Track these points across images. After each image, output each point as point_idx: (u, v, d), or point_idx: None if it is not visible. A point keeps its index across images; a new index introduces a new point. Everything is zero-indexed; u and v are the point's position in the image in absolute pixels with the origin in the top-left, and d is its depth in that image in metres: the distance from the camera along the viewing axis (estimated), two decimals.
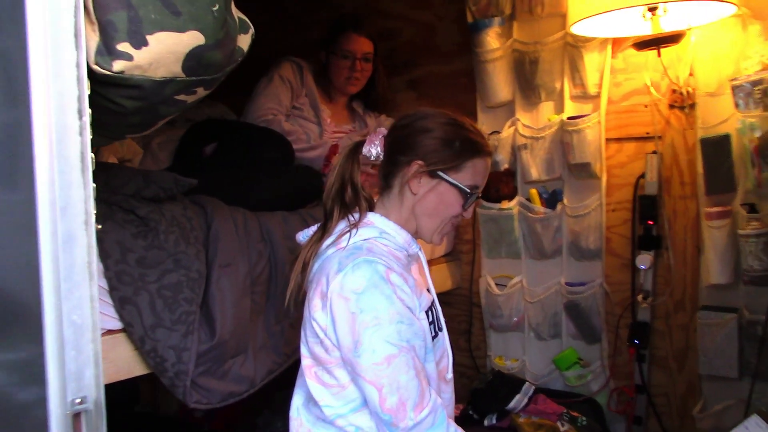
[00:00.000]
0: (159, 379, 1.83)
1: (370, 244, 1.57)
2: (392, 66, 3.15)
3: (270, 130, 2.57)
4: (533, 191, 2.88)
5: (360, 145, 1.71)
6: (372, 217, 1.64)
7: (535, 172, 2.86)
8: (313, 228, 1.75)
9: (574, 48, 2.74)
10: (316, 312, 1.54)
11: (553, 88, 2.83)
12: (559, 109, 2.82)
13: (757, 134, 2.40)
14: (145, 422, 3.35)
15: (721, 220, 2.50)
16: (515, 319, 2.96)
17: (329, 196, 1.68)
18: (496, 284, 3.00)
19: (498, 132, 2.94)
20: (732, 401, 2.52)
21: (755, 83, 2.40)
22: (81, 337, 1.05)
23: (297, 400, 1.69)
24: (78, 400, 1.04)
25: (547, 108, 2.87)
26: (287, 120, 2.81)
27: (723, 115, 2.49)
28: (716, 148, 2.50)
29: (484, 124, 3.00)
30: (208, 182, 2.15)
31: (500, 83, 2.93)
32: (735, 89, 2.44)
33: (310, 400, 1.64)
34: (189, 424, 3.41)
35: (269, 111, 2.75)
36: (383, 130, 1.72)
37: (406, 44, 3.21)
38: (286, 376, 2.20)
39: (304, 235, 1.76)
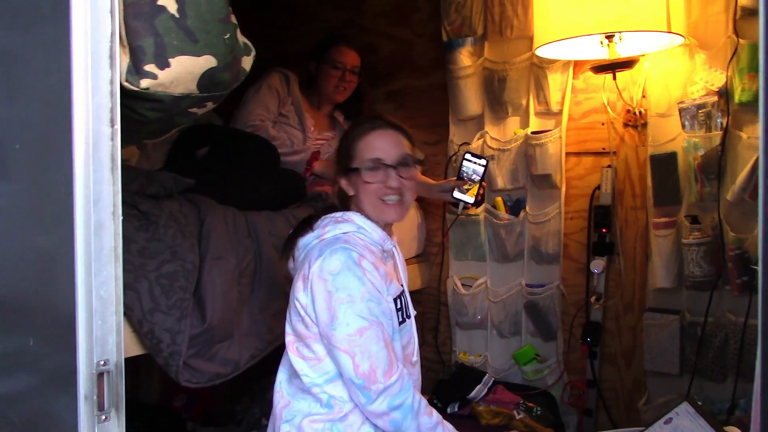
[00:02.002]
0: (153, 358, 2.03)
1: (348, 236, 1.80)
2: (372, 78, 3.37)
3: (257, 135, 2.78)
4: (498, 199, 3.11)
5: None
6: (352, 215, 1.86)
7: (500, 182, 3.09)
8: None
9: (539, 68, 2.99)
10: (298, 293, 1.77)
11: (519, 104, 3.07)
12: (525, 123, 3.06)
13: (701, 153, 2.65)
14: (126, 410, 3.52)
15: (667, 229, 2.75)
16: (479, 317, 3.18)
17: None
18: (462, 284, 3.22)
19: (468, 143, 3.17)
20: (673, 395, 2.76)
21: (700, 106, 2.66)
22: (106, 309, 1.25)
23: (281, 376, 1.91)
24: (102, 362, 1.24)
25: (513, 122, 3.11)
26: (273, 126, 3.01)
27: (671, 135, 2.74)
28: (664, 164, 2.76)
29: (455, 135, 3.23)
30: (201, 183, 2.35)
31: (471, 98, 3.16)
32: (682, 111, 2.70)
33: (293, 375, 1.86)
34: (169, 411, 3.58)
35: (257, 117, 2.95)
36: None
37: (385, 58, 3.43)
38: (264, 367, 2.41)
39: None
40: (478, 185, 2.67)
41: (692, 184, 2.69)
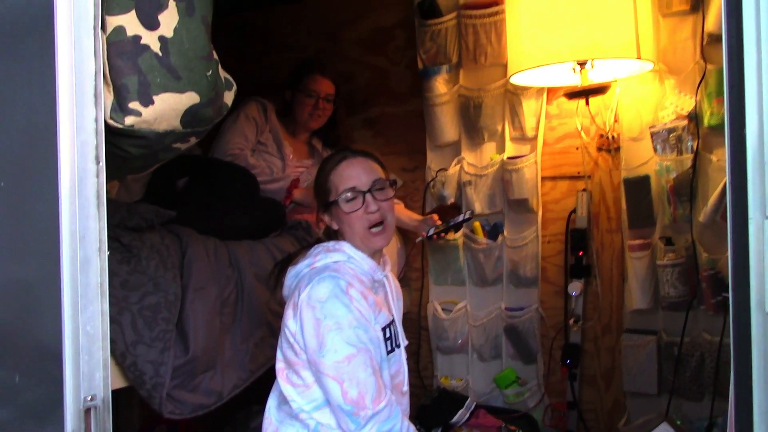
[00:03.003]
0: (136, 391, 2.03)
1: (338, 265, 1.82)
2: (350, 106, 3.41)
3: (236, 165, 2.80)
4: (477, 224, 3.15)
5: None
6: (343, 245, 1.88)
7: (478, 206, 3.14)
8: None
9: (513, 95, 3.04)
10: (288, 320, 1.79)
11: (495, 130, 3.12)
12: (500, 149, 3.11)
13: (673, 176, 2.72)
14: None
15: (642, 251, 2.80)
16: (460, 341, 3.20)
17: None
18: (443, 309, 3.24)
19: (445, 169, 3.21)
20: (652, 415, 2.80)
21: (670, 130, 2.73)
22: (93, 345, 1.26)
23: (271, 402, 1.92)
24: (89, 398, 1.25)
25: (489, 148, 3.15)
26: (252, 155, 3.03)
27: (643, 158, 2.81)
28: (638, 187, 2.81)
29: (432, 161, 3.27)
30: (182, 213, 2.36)
31: (447, 125, 3.21)
32: (653, 135, 2.76)
33: (282, 401, 1.87)
34: None
35: (236, 146, 2.97)
36: None
37: (363, 86, 3.47)
38: (246, 396, 2.41)
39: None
40: (448, 227, 2.79)
41: (665, 207, 2.75)
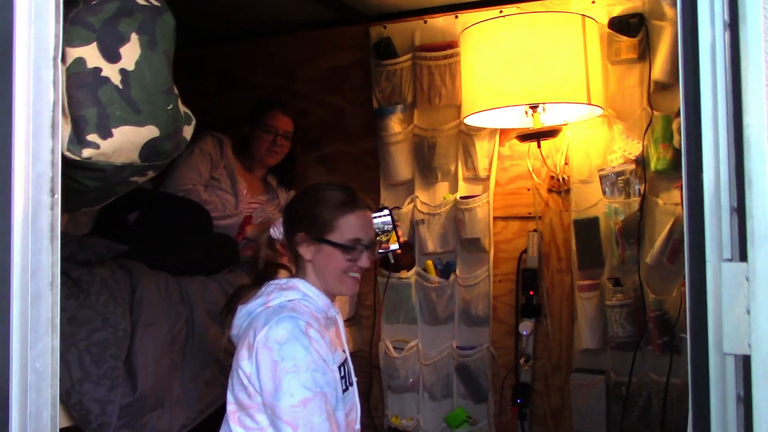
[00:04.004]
0: (81, 430, 1.96)
1: (294, 304, 1.80)
2: (304, 143, 3.41)
3: (189, 200, 2.76)
4: (429, 262, 3.16)
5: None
6: (296, 282, 1.87)
7: (431, 245, 3.16)
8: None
9: (467, 136, 3.09)
10: (242, 361, 1.75)
11: (448, 170, 3.16)
12: (453, 188, 3.15)
13: (621, 218, 2.79)
14: None
15: (591, 292, 2.85)
16: (411, 380, 3.19)
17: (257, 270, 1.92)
18: (394, 347, 3.23)
19: (399, 207, 3.23)
20: None
21: (618, 174, 2.80)
22: (42, 383, 1.22)
23: None
24: None
25: (442, 187, 3.19)
26: (205, 190, 3.00)
27: (593, 200, 2.87)
28: (587, 228, 2.87)
29: (386, 200, 3.29)
30: (133, 248, 2.32)
31: (401, 164, 3.24)
32: (602, 178, 2.84)
33: None
34: None
35: (189, 181, 2.94)
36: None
37: (317, 124, 3.48)
38: None
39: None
40: (393, 232, 2.73)
41: (614, 248, 2.81)
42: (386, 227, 2.63)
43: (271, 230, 1.97)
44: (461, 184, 3.13)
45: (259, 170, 3.25)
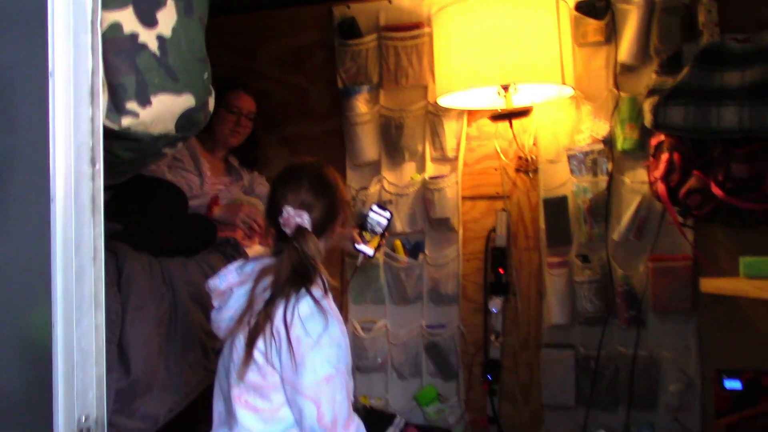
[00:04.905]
0: None
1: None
2: (266, 124, 3.35)
3: (164, 180, 2.68)
4: (398, 242, 3.18)
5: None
6: None
7: (399, 225, 3.17)
8: (230, 276, 1.89)
9: (434, 116, 3.11)
10: (258, 340, 1.71)
11: (415, 150, 3.17)
12: (421, 169, 3.17)
13: (589, 196, 2.86)
14: None
15: (560, 269, 2.92)
16: (379, 360, 3.20)
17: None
18: (362, 328, 3.23)
19: (366, 188, 3.22)
20: (570, 427, 2.91)
21: (586, 153, 2.88)
22: (87, 361, 1.17)
23: None
24: (83, 419, 1.16)
25: (409, 168, 3.20)
26: (169, 171, 2.92)
27: (561, 180, 2.94)
28: (556, 207, 2.94)
29: (352, 180, 3.27)
30: (109, 230, 2.24)
31: (368, 144, 3.23)
32: (570, 158, 2.91)
33: (230, 430, 1.78)
34: None
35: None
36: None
37: (280, 104, 3.43)
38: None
39: (220, 283, 1.90)
40: (379, 237, 2.71)
41: (582, 226, 2.89)
42: (378, 228, 2.60)
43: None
44: (429, 164, 3.15)
45: (221, 151, 3.19)
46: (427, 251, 3.14)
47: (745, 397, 2.59)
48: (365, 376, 3.26)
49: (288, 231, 1.81)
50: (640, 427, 2.81)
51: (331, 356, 1.70)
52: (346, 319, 3.25)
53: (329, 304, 1.76)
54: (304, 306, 1.71)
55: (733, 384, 2.64)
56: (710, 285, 2.44)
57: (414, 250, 3.17)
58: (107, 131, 1.25)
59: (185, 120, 1.36)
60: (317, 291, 1.75)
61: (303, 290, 1.73)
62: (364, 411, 3.02)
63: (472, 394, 3.09)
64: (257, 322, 1.73)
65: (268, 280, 1.79)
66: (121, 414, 1.99)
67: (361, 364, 3.23)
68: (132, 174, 1.54)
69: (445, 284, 3.10)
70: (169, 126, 1.34)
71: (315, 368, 1.67)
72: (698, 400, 2.77)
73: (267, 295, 1.76)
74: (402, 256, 3.17)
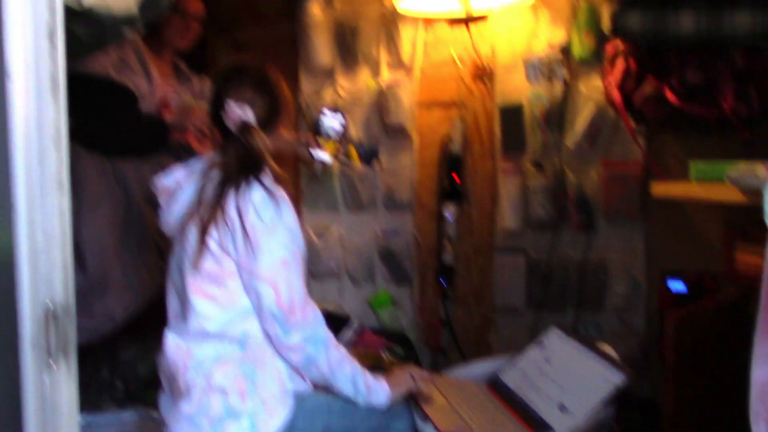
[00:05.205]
0: None
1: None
2: (216, 28, 3.24)
3: (112, 78, 2.59)
4: (352, 149, 3.15)
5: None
6: None
7: (354, 132, 3.14)
8: (177, 172, 1.87)
9: (391, 21, 3.05)
10: (212, 229, 1.70)
11: (370, 55, 3.12)
12: (376, 75, 3.12)
13: (544, 104, 2.88)
14: None
15: (514, 175, 2.96)
16: (334, 266, 3.23)
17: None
18: (316, 234, 3.24)
19: (319, 94, 3.17)
20: (520, 328, 3.00)
21: (543, 61, 2.87)
22: (51, 245, 1.14)
23: (174, 328, 1.83)
24: (49, 304, 1.14)
25: (365, 74, 3.15)
26: (117, 73, 2.81)
27: (517, 87, 2.94)
28: (512, 114, 2.95)
29: (306, 87, 3.22)
30: None
31: (322, 50, 3.16)
32: (527, 65, 2.90)
33: (191, 322, 1.78)
34: None
35: (97, 61, 2.74)
36: None
37: (229, 8, 3.31)
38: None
39: (168, 181, 1.88)
40: (336, 143, 2.68)
41: (537, 133, 2.91)
42: (331, 132, 2.57)
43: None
44: (384, 70, 3.11)
45: (168, 54, 3.07)
46: (381, 158, 3.13)
47: (688, 297, 2.70)
48: (319, 283, 3.28)
49: (232, 127, 1.81)
50: (588, 327, 2.91)
51: (286, 241, 1.73)
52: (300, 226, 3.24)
53: (280, 191, 1.76)
54: (256, 193, 1.72)
55: (676, 285, 2.74)
56: (661, 189, 2.49)
57: (368, 156, 3.16)
58: (68, 11, 1.19)
59: (148, 1, 1.30)
60: (267, 179, 1.76)
61: (253, 179, 1.73)
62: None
63: (425, 298, 3.15)
64: (209, 212, 1.73)
65: (216, 175, 1.78)
66: (78, 314, 1.96)
67: (315, 271, 3.25)
68: (85, 56, 1.47)
69: (399, 191, 3.12)
70: (131, 7, 1.28)
71: (271, 252, 1.70)
72: (643, 301, 2.88)
73: (217, 188, 1.75)
74: (356, 163, 3.15)
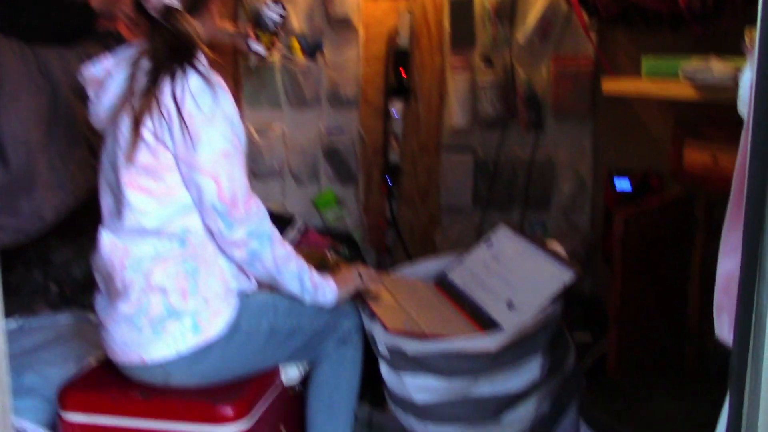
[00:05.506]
0: None
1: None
2: None
3: None
4: (295, 42, 3.00)
5: None
6: None
7: (296, 24, 2.98)
8: (106, 61, 1.73)
9: None
10: (146, 119, 1.59)
11: None
12: None
13: None
14: None
15: (463, 71, 2.87)
16: (276, 165, 3.13)
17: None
18: (258, 132, 3.11)
19: None
20: (467, 227, 2.98)
21: None
22: None
23: (109, 226, 1.73)
24: None
25: None
26: None
27: None
28: (461, 7, 2.85)
29: None
30: None
31: None
32: None
33: (126, 219, 1.68)
34: None
35: None
36: None
37: None
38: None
39: (96, 70, 1.74)
40: (273, 35, 2.56)
41: (487, 27, 2.82)
42: (270, 24, 2.44)
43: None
44: None
45: None
46: (326, 52, 2.99)
47: (633, 195, 2.71)
48: (261, 182, 3.18)
49: (153, 12, 1.66)
50: (533, 226, 2.91)
51: (226, 131, 1.64)
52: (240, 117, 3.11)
53: (218, 79, 1.65)
54: (193, 81, 1.60)
55: (622, 183, 2.75)
56: (612, 86, 2.45)
57: (312, 50, 3.02)
58: None
59: None
60: (203, 67, 1.64)
61: (188, 66, 1.61)
62: None
63: (370, 198, 3.09)
64: (143, 102, 1.61)
65: (147, 63, 1.64)
66: (2, 212, 1.85)
67: (257, 170, 3.14)
68: None
69: (344, 87, 3.00)
70: None
71: (211, 143, 1.61)
72: (589, 200, 2.88)
73: (149, 77, 1.62)
74: (299, 57, 3.01)
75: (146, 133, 1.62)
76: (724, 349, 2.64)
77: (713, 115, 2.28)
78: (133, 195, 1.66)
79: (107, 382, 1.73)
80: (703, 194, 2.41)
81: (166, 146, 1.62)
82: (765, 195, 0.87)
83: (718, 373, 2.55)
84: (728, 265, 0.93)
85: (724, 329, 0.95)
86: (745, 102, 0.91)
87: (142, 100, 1.61)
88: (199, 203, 1.65)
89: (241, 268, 1.75)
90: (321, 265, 2.73)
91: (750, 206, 0.88)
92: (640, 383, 1.90)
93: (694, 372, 2.48)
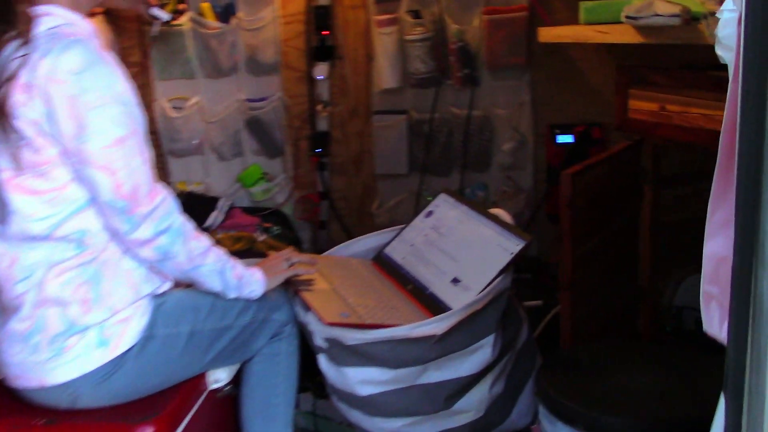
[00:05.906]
0: None
1: (61, 29, 1.39)
2: None
3: None
4: (205, 5, 2.74)
5: None
6: (52, 8, 1.43)
7: None
8: None
9: None
10: (20, 108, 1.35)
11: None
12: None
13: None
14: None
15: (390, 27, 2.67)
16: (195, 141, 2.88)
17: None
18: (173, 107, 2.86)
19: None
20: (404, 195, 2.81)
21: None
22: None
23: None
24: None
25: None
26: None
27: None
28: None
29: None
30: None
31: None
32: None
33: (10, 224, 1.45)
34: None
35: None
36: None
37: None
38: None
39: None
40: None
41: None
42: None
43: None
44: None
45: None
46: (240, 14, 2.74)
47: (577, 150, 2.57)
48: (181, 161, 2.93)
49: None
50: (474, 188, 2.76)
51: (119, 115, 1.40)
52: (152, 99, 2.86)
53: (106, 55, 1.41)
54: (73, 57, 1.35)
55: (565, 138, 2.61)
56: (549, 34, 2.29)
57: (225, 13, 2.76)
58: None
59: None
60: (88, 42, 1.39)
61: (66, 39, 1.36)
62: (184, 196, 2.75)
63: (300, 170, 2.88)
64: (11, 89, 1.36)
65: (14, 42, 1.40)
66: None
67: (175, 148, 2.89)
68: None
69: (263, 51, 2.76)
70: None
71: (102, 131, 1.37)
72: (531, 157, 2.73)
73: (19, 57, 1.37)
74: (211, 20, 2.75)
75: (23, 125, 1.37)
76: (678, 306, 2.54)
77: (658, 59, 2.15)
78: (15, 197, 1.43)
79: (4, 406, 1.51)
80: (649, 144, 2.28)
81: (48, 139, 1.39)
82: (762, 158, 0.71)
83: (674, 330, 2.46)
84: (715, 246, 0.77)
85: (713, 323, 0.80)
86: (728, 45, 0.74)
87: (10, 86, 1.37)
88: (95, 200, 1.43)
89: (153, 268, 1.54)
90: (250, 249, 2.54)
91: (743, 172, 0.72)
92: (596, 353, 1.78)
93: (648, 331, 2.39)
